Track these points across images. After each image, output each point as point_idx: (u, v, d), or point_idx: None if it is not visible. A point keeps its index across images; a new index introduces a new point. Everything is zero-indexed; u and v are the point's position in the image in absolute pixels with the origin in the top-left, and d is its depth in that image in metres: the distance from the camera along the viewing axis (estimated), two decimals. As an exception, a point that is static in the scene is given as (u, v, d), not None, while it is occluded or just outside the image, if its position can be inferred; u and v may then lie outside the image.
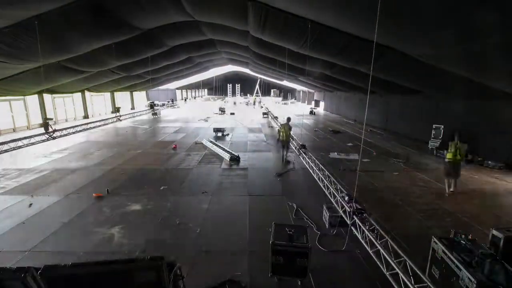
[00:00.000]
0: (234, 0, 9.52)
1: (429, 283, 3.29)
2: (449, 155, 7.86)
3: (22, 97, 17.71)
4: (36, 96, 18.74)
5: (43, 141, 9.36)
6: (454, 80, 9.71)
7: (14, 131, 17.26)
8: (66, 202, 7.37)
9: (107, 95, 29.01)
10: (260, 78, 46.60)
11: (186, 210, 6.99)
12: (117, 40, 12.65)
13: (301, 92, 51.17)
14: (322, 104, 37.82)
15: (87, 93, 24.86)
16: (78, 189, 8.22)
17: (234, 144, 14.48)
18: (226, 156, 11.46)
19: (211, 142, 13.93)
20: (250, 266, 4.75)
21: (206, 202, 7.37)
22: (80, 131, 12.49)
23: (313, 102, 40.34)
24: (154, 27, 12.84)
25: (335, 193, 6.52)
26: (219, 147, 12.81)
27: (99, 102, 27.67)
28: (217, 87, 62.95)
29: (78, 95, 24.07)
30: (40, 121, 19.32)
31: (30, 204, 7.11)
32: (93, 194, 7.73)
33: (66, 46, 11.14)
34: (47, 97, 19.86)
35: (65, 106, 22.66)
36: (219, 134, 16.40)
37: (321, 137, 17.00)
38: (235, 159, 11.23)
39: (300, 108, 38.90)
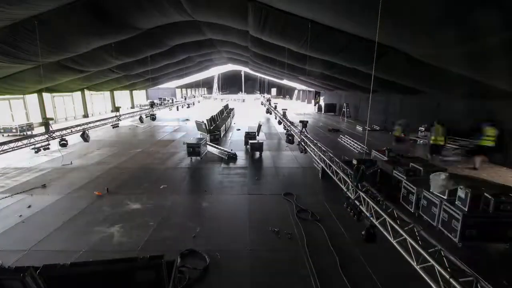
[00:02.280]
0: (234, 0, 9.51)
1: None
2: None
3: (22, 96, 17.69)
4: (35, 95, 18.72)
5: (43, 140, 9.40)
6: (455, 80, 9.70)
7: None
8: (65, 201, 7.38)
9: (107, 93, 28.99)
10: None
11: (185, 209, 7.01)
12: (116, 40, 12.63)
13: (300, 91, 51.16)
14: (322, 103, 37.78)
15: (86, 92, 24.84)
16: (77, 188, 8.23)
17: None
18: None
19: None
20: (251, 265, 4.77)
21: (206, 201, 7.38)
22: (80, 130, 12.50)
23: (312, 101, 40.31)
24: (154, 27, 12.81)
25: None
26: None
27: (98, 101, 27.66)
28: (219, 86, 62.50)
29: (77, 94, 24.04)
30: (40, 120, 19.31)
31: (29, 206, 7.07)
32: (95, 192, 7.76)
33: (65, 45, 11.11)
34: (46, 96, 19.84)
35: (64, 105, 22.64)
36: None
37: (321, 135, 17.01)
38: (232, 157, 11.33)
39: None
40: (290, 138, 10.48)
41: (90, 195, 7.71)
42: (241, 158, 11.56)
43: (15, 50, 9.69)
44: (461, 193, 5.37)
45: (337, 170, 6.26)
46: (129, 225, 6.07)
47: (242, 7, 9.50)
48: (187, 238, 5.57)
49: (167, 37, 14.75)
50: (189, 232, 5.80)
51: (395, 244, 3.69)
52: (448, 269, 2.99)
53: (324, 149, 8.20)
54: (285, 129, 12.64)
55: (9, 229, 5.93)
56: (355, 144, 13.80)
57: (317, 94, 38.59)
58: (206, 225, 6.13)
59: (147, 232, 5.79)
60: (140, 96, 38.55)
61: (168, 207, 7.01)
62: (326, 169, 7.15)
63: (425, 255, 3.23)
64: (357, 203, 4.72)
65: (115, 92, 29.92)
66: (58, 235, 5.71)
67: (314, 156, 8.00)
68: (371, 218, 4.18)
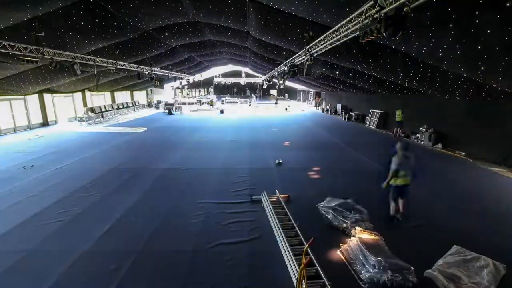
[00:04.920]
0: (234, 0, 9.53)
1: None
2: None
3: (22, 96, 17.71)
4: (36, 95, 18.75)
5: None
6: (455, 80, 9.70)
7: (14, 130, 17.28)
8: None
9: (108, 94, 29.02)
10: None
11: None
12: (117, 41, 12.66)
13: (302, 92, 51.17)
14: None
15: (87, 93, 24.86)
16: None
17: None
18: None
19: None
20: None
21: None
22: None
23: (313, 101, 40.33)
24: (154, 27, 12.84)
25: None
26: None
27: (99, 102, 27.66)
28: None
29: (78, 95, 24.05)
30: (41, 120, 19.38)
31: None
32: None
33: (66, 46, 11.15)
34: (47, 96, 19.85)
35: (65, 106, 22.63)
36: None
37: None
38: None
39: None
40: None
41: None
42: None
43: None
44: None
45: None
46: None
47: (243, 7, 9.54)
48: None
49: (168, 38, 14.79)
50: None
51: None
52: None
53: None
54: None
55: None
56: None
57: (317, 95, 38.66)
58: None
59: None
60: (141, 97, 38.55)
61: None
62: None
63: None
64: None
65: (115, 93, 29.96)
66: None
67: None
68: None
